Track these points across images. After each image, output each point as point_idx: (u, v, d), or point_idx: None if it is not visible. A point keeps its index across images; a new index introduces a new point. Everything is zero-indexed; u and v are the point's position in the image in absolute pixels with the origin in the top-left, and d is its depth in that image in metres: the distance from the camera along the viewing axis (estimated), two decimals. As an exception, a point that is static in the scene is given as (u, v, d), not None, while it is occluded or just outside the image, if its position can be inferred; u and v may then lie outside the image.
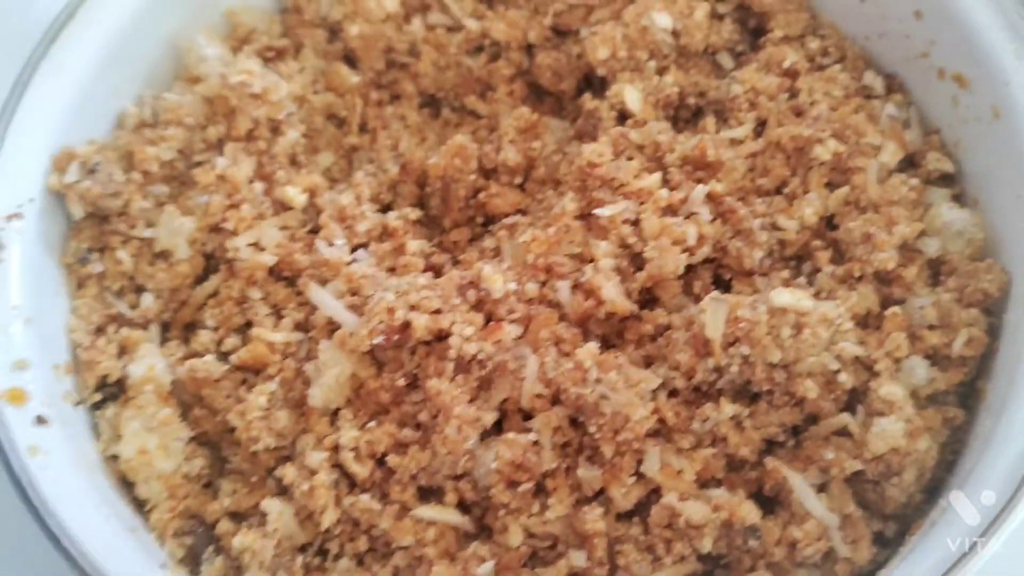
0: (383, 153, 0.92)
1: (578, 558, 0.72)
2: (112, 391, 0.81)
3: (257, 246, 0.83)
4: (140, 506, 0.78)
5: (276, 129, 0.87)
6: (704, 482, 0.74)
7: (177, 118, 0.86)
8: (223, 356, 0.81)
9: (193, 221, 0.83)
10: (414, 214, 0.87)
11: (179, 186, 0.87)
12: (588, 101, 0.90)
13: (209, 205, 0.83)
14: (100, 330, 0.82)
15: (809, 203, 0.81)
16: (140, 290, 0.84)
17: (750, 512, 0.72)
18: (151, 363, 0.79)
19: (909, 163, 0.87)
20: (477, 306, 0.76)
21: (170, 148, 0.85)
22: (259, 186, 0.85)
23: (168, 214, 0.83)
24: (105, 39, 0.86)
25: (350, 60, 0.96)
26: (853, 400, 0.76)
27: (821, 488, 0.74)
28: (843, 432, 0.75)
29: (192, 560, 0.76)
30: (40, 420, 0.73)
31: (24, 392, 0.73)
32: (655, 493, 0.73)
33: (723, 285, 0.81)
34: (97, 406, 0.81)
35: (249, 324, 0.82)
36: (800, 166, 0.83)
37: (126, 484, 0.78)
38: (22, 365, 0.75)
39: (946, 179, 0.86)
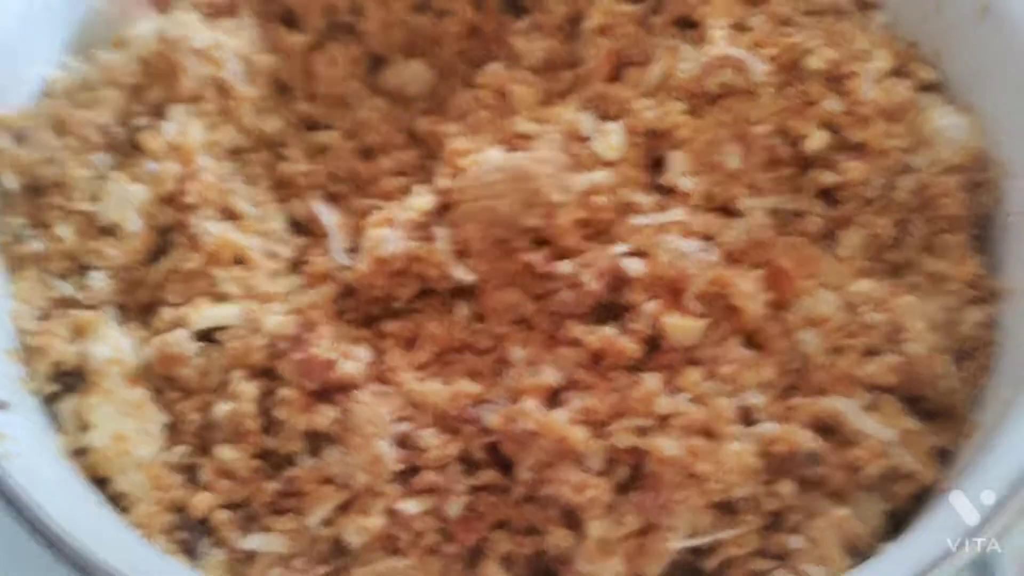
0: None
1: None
2: (69, 382, 0.71)
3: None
4: (117, 504, 0.69)
5: (223, 89, 0.79)
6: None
7: (112, 78, 0.77)
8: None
9: (144, 190, 0.74)
10: None
11: (121, 156, 0.77)
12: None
13: (160, 173, 0.74)
14: (47, 316, 0.73)
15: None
16: (85, 271, 0.75)
17: (808, 438, 0.67)
18: (116, 343, 0.70)
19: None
20: None
21: (106, 111, 0.76)
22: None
23: (115, 182, 0.74)
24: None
25: (290, 21, 0.89)
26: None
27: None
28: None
29: (187, 555, 0.68)
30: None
31: (-25, 373, 0.64)
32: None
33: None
34: (51, 400, 0.71)
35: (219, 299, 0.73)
36: (795, 80, 0.79)
37: (98, 483, 0.68)
38: (-32, 346, 0.65)
39: (931, 88, 0.83)
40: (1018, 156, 0.76)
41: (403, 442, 0.67)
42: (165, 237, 0.76)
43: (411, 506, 0.65)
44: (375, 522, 0.65)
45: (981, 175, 0.78)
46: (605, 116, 0.79)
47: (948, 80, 0.83)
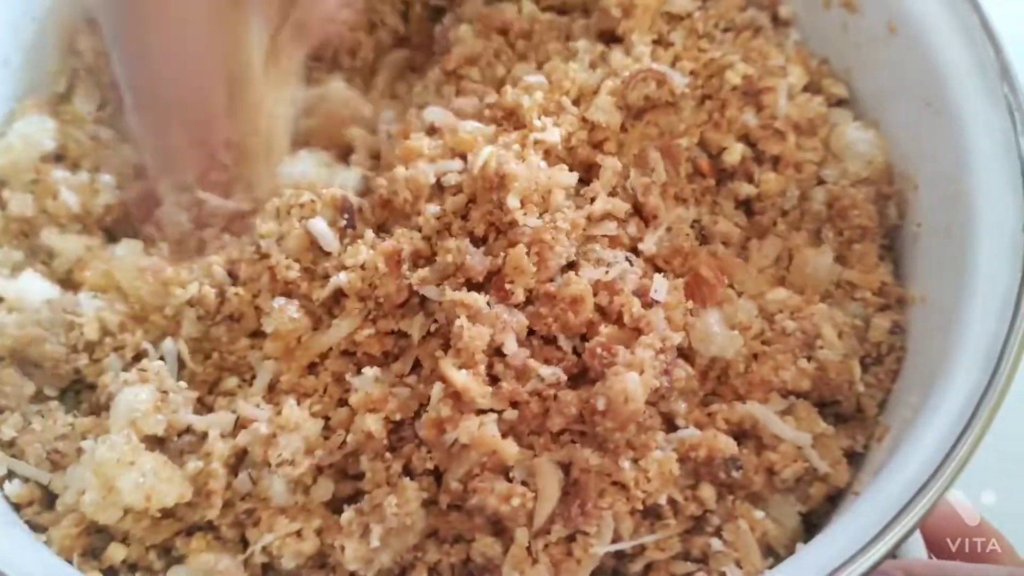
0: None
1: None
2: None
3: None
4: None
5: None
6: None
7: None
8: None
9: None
10: None
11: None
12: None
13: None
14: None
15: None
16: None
17: (728, 444, 0.68)
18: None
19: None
20: None
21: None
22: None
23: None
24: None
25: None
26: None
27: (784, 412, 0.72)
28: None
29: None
30: None
31: None
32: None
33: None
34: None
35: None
36: (714, 94, 0.81)
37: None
38: None
39: (842, 104, 0.86)
40: (923, 170, 0.79)
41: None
42: None
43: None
44: (310, 544, 0.64)
45: (889, 188, 0.81)
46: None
47: (858, 96, 0.86)
